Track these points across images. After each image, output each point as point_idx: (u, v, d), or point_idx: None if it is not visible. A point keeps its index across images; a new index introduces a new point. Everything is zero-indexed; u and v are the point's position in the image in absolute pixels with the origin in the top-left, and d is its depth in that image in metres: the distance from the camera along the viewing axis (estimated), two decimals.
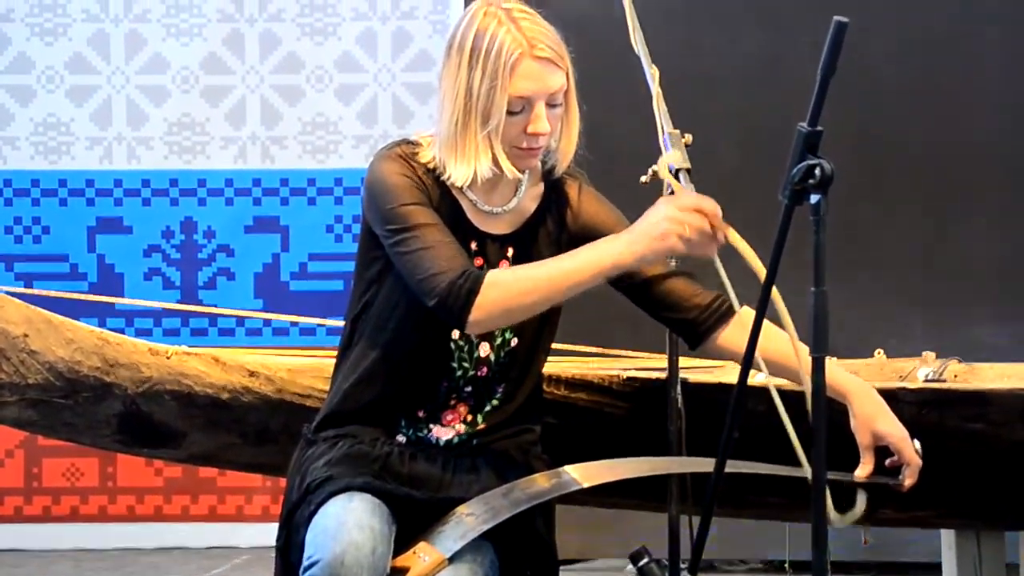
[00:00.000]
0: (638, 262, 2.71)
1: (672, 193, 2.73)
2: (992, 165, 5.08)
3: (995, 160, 5.08)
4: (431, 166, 2.83)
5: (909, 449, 2.85)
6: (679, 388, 2.96)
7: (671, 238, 2.64)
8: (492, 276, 2.72)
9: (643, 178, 2.85)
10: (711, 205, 2.65)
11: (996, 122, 5.07)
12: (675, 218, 2.64)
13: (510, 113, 2.76)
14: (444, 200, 2.82)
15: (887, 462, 2.86)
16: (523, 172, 2.85)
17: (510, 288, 2.71)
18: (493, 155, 2.78)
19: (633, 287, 2.91)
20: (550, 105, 2.79)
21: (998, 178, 5.09)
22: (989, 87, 5.08)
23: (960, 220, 5.09)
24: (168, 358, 3.12)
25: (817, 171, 2.45)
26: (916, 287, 5.07)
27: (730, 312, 2.89)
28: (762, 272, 2.60)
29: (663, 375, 3.01)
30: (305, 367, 3.15)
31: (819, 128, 2.46)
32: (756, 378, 2.75)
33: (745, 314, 2.78)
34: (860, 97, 4.94)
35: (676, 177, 2.74)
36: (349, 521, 2.66)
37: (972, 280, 5.06)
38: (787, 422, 2.66)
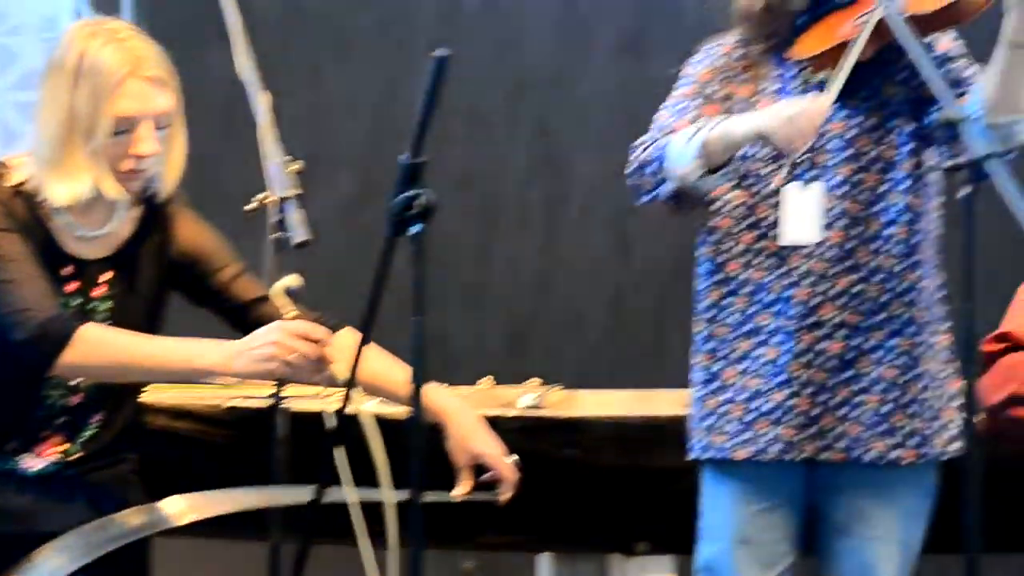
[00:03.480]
0: (234, 374, 2.71)
1: (292, 317, 2.73)
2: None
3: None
4: (23, 188, 2.75)
5: (505, 465, 2.91)
6: (283, 416, 2.95)
7: (275, 362, 2.65)
8: (86, 331, 2.66)
9: (247, 207, 2.83)
10: (321, 333, 2.67)
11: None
12: (283, 343, 2.65)
13: (115, 133, 2.72)
14: (35, 224, 2.75)
15: (484, 477, 2.92)
16: (128, 194, 2.80)
17: (100, 350, 2.66)
18: (96, 175, 2.72)
19: (230, 309, 2.90)
20: (157, 127, 2.75)
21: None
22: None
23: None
24: None
25: (418, 202, 2.49)
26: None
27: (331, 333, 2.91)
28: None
29: (266, 403, 3.00)
30: None
31: (422, 159, 2.50)
32: (365, 404, 2.77)
33: (344, 336, 2.80)
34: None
35: (290, 297, 2.74)
36: None
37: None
38: (376, 448, 2.69)
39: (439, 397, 2.91)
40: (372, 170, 4.65)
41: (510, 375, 3.79)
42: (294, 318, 2.69)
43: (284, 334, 2.65)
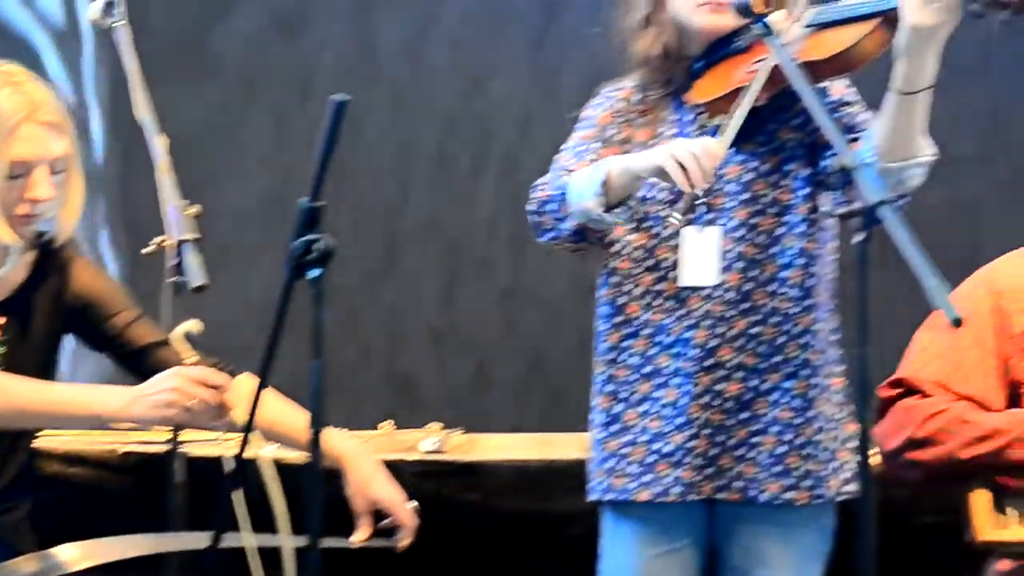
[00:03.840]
0: (132, 421, 2.68)
1: (192, 362, 2.71)
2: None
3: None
4: None
5: (404, 511, 2.90)
6: (180, 461, 2.92)
7: (174, 408, 2.63)
8: None
9: (144, 250, 2.81)
10: (221, 379, 2.65)
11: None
12: (182, 389, 2.63)
13: (10, 177, 2.69)
14: None
15: (383, 523, 2.91)
16: (21, 239, 2.77)
17: None
18: None
19: (127, 354, 2.87)
20: (52, 171, 2.73)
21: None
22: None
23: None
24: None
25: (317, 246, 2.48)
26: None
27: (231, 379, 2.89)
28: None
29: (163, 448, 2.97)
30: None
31: (321, 203, 2.50)
32: (264, 450, 2.76)
33: (243, 382, 2.78)
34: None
35: (189, 343, 2.72)
36: None
37: None
38: (275, 493, 2.68)
39: (338, 442, 2.90)
40: (333, 210, 4.62)
41: (475, 417, 3.79)
42: (193, 363, 2.67)
43: (183, 380, 2.63)
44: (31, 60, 4.53)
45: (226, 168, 4.40)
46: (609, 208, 2.78)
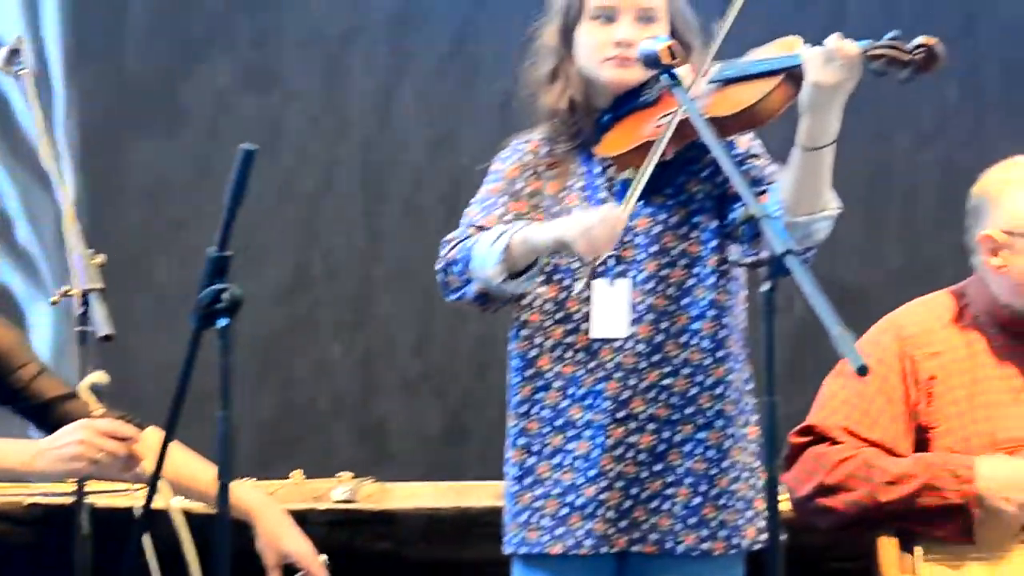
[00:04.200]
0: (38, 476, 2.65)
1: (100, 414, 2.68)
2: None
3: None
4: None
5: (315, 565, 2.88)
6: (86, 512, 2.89)
7: (80, 461, 2.61)
8: None
9: (52, 299, 2.78)
10: (129, 431, 2.62)
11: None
12: (90, 441, 2.61)
13: None
14: None
15: None
16: None
17: None
18: None
19: (32, 408, 2.84)
20: None
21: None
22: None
23: None
24: None
25: (225, 295, 2.46)
26: None
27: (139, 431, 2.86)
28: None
29: (69, 499, 2.93)
30: None
31: (228, 253, 2.48)
32: (174, 500, 2.73)
33: (150, 435, 2.75)
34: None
35: (96, 393, 2.69)
36: None
37: None
38: (186, 544, 2.65)
39: (246, 494, 2.88)
40: (305, 260, 4.61)
41: (448, 465, 3.75)
42: (100, 416, 2.64)
43: (90, 432, 2.60)
44: (0, 107, 4.52)
45: (196, 217, 4.39)
46: (512, 275, 2.78)
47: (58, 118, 4.58)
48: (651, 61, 2.71)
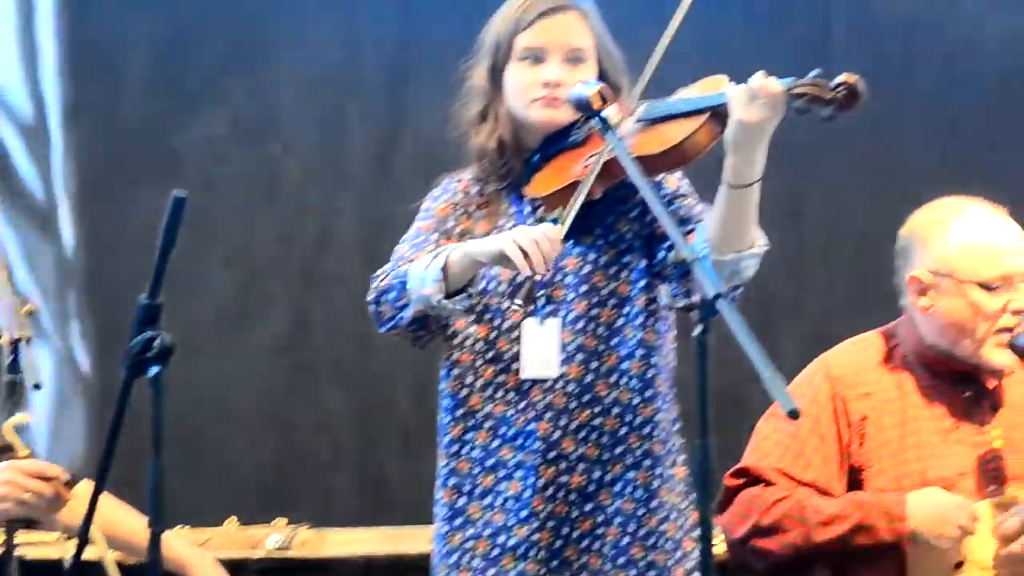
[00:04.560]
0: None
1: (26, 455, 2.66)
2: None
3: None
4: None
5: None
6: (15, 565, 2.85)
7: (7, 502, 2.60)
8: None
9: None
10: (54, 471, 2.61)
11: None
12: (15, 482, 2.59)
13: None
14: None
15: None
16: None
17: None
18: None
19: None
20: None
21: None
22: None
23: None
24: None
25: (156, 343, 2.45)
26: None
27: (69, 486, 2.83)
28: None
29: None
30: None
31: (159, 301, 2.47)
32: (109, 552, 2.71)
33: (82, 487, 2.73)
34: None
35: (20, 434, 2.67)
36: None
37: None
38: None
39: (178, 546, 2.86)
40: (305, 309, 4.59)
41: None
42: (25, 457, 2.62)
43: (16, 473, 2.59)
44: None
45: (193, 267, 4.38)
46: (449, 295, 2.78)
47: (56, 167, 4.59)
48: (582, 106, 2.72)
